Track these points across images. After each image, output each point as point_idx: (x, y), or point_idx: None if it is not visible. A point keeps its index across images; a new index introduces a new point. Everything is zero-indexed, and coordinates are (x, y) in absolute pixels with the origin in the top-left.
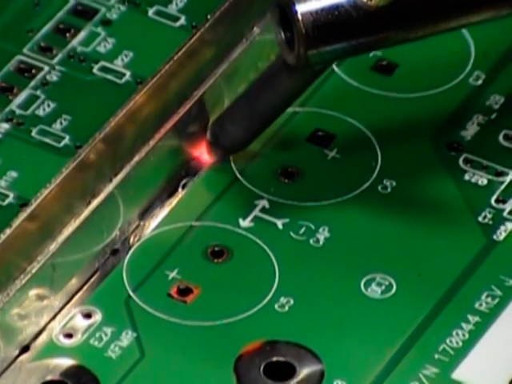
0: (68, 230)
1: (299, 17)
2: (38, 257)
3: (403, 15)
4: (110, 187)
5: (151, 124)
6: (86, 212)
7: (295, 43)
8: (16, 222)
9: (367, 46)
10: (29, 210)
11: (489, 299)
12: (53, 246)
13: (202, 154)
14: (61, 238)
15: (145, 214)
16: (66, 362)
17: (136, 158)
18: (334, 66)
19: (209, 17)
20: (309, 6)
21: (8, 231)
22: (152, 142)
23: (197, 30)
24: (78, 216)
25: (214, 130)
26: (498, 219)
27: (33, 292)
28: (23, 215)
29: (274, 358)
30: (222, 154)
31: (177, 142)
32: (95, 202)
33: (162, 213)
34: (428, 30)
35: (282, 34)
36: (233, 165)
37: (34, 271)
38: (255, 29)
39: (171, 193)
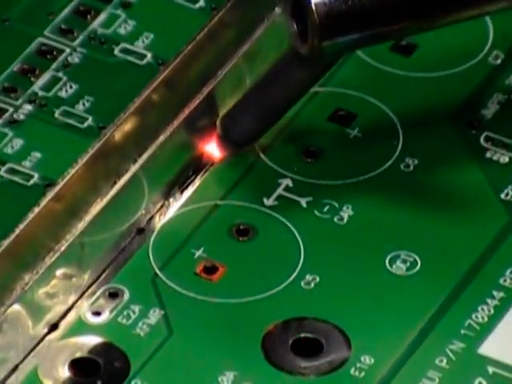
0: (95, 210)
1: (313, 7)
2: (67, 236)
3: (416, 4)
4: (134, 167)
5: (174, 105)
6: (112, 192)
7: (309, 34)
8: (43, 202)
9: (381, 35)
10: (55, 189)
11: None
12: (81, 225)
13: (212, 148)
14: (88, 218)
15: (169, 193)
16: (95, 340)
17: (160, 138)
18: None
19: None
20: None
21: (35, 210)
22: (176, 122)
23: (217, 11)
24: (103, 196)
25: (225, 123)
26: None
27: (60, 271)
28: (50, 195)
29: (302, 335)
30: (233, 149)
31: (186, 137)
32: (120, 182)
33: (186, 192)
34: (443, 20)
35: (295, 25)
36: (255, 145)
37: (62, 250)
38: (276, 9)
39: (195, 172)
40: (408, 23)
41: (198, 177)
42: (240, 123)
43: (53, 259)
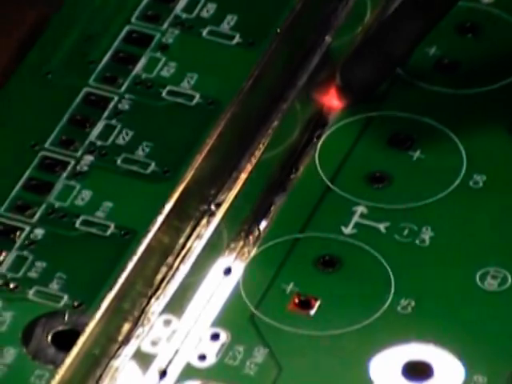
0: (192, 253)
1: None
2: (161, 281)
3: None
4: (211, 208)
5: (240, 141)
6: (194, 234)
7: None
8: (139, 251)
9: None
10: (148, 237)
11: None
12: (178, 271)
13: (332, 100)
14: (187, 262)
15: (248, 230)
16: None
17: (242, 174)
18: (399, 69)
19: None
20: None
21: (134, 260)
22: (254, 158)
23: (270, 45)
24: (186, 238)
25: (344, 73)
26: None
27: (163, 318)
28: (145, 243)
29: (410, 359)
30: (353, 98)
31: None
32: (200, 225)
33: (265, 229)
34: None
35: None
36: (323, 176)
37: (167, 295)
38: (327, 38)
39: (270, 207)
40: None
41: (272, 212)
42: (358, 74)
43: (161, 306)
